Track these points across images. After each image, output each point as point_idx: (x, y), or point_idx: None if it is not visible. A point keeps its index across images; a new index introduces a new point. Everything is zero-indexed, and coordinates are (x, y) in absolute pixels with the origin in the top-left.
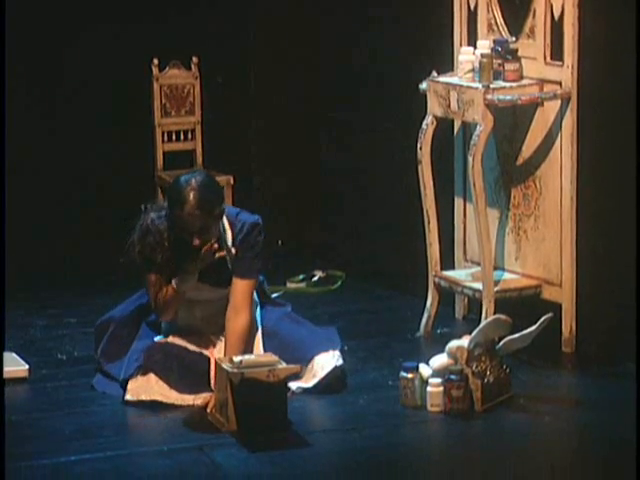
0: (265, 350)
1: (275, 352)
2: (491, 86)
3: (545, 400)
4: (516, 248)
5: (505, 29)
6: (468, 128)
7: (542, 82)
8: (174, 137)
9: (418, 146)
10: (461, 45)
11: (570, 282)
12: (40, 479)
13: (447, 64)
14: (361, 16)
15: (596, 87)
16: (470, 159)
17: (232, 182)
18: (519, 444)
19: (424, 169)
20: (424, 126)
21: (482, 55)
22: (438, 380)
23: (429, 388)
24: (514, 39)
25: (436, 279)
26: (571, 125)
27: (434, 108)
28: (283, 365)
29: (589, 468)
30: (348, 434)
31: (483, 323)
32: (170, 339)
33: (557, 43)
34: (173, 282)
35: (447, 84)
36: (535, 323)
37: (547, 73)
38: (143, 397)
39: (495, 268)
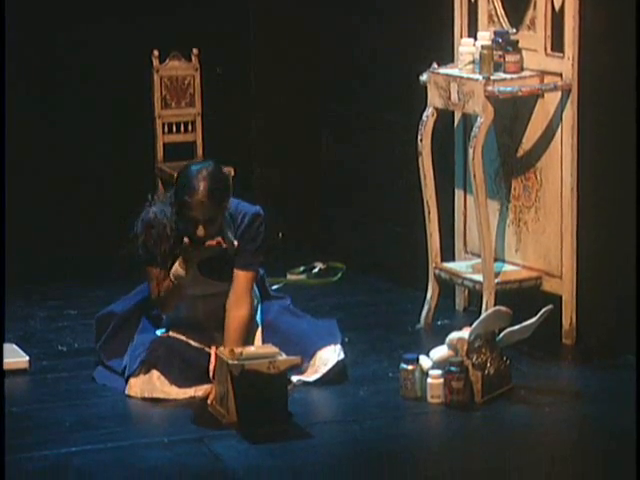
0: (264, 344)
1: (276, 346)
2: (491, 78)
3: (545, 392)
4: (516, 240)
5: (506, 20)
6: (468, 120)
7: (543, 74)
8: (174, 129)
9: (418, 138)
10: (461, 36)
11: (570, 274)
12: (41, 470)
13: (447, 56)
14: (361, 7)
15: (597, 79)
16: (470, 151)
17: (232, 174)
18: (519, 436)
19: (424, 161)
20: (424, 118)
21: (482, 47)
22: (438, 372)
23: (429, 380)
24: (515, 30)
25: (436, 271)
26: (571, 117)
27: (434, 100)
28: (283, 357)
29: (589, 459)
30: (348, 426)
31: (483, 315)
32: (172, 334)
33: (558, 35)
34: (171, 273)
35: (447, 76)
36: (535, 315)
37: (548, 65)
38: (145, 395)
39: (495, 260)
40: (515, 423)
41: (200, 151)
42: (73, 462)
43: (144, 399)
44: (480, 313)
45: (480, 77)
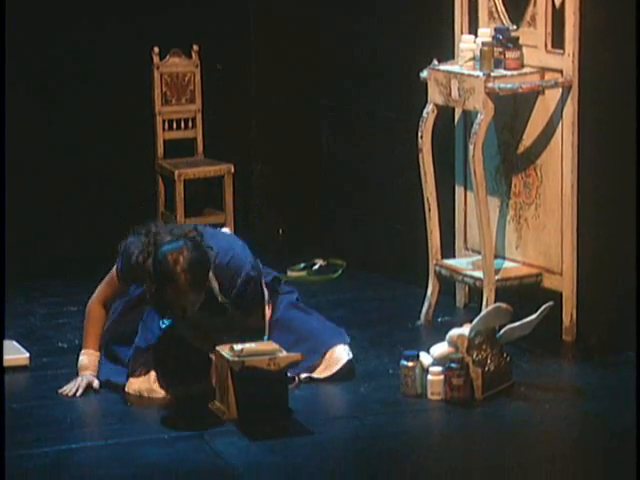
0: (274, 341)
1: (285, 343)
2: (492, 74)
3: (545, 388)
4: (517, 236)
5: (506, 17)
6: (469, 116)
7: (543, 70)
8: (175, 125)
9: (419, 134)
10: (462, 33)
11: (571, 270)
12: (41, 467)
13: (448, 52)
14: (362, 6)
15: (597, 75)
16: (471, 147)
17: (232, 170)
18: (519, 432)
19: (425, 158)
20: (425, 114)
21: (483, 43)
22: (439, 368)
23: (430, 376)
24: (515, 27)
25: (437, 267)
26: (572, 113)
27: (435, 96)
28: (284, 353)
29: (589, 456)
30: (349, 422)
31: (484, 312)
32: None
33: (558, 31)
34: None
35: (448, 72)
36: (536, 312)
37: (548, 61)
38: (145, 394)
39: (496, 257)
40: (515, 420)
41: (200, 148)
42: (74, 458)
43: (142, 398)
44: (480, 310)
45: (480, 74)
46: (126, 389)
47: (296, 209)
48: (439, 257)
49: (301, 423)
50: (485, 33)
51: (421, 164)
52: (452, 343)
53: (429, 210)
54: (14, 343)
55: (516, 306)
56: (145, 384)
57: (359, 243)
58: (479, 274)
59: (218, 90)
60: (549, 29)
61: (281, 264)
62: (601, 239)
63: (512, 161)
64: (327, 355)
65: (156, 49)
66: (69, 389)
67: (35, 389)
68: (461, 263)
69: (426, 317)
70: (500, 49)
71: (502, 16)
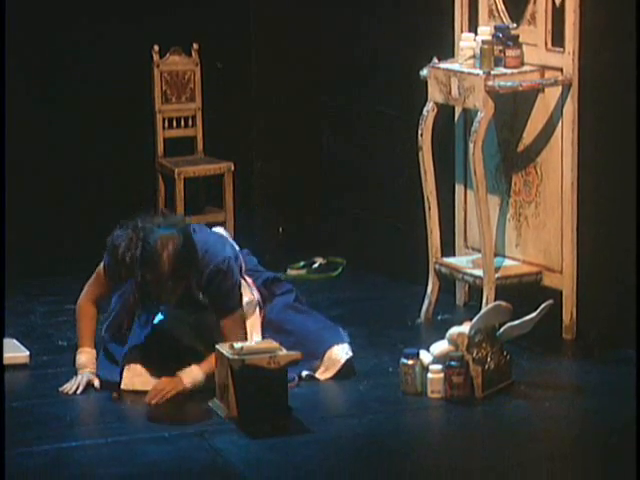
0: None
1: (283, 346)
2: (492, 72)
3: (545, 386)
4: (517, 235)
5: (506, 15)
6: (469, 115)
7: (543, 68)
8: (175, 124)
9: (419, 133)
10: (462, 31)
11: (571, 269)
12: (41, 465)
13: (448, 50)
14: (362, 4)
15: (597, 73)
16: (471, 146)
17: (232, 169)
18: (519, 430)
19: (425, 156)
20: (425, 113)
21: (483, 41)
22: (439, 367)
23: (429, 375)
24: (515, 25)
25: (437, 266)
26: (572, 111)
27: (435, 95)
28: (284, 352)
29: (589, 454)
30: (349, 420)
31: (484, 310)
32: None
33: (558, 29)
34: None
35: (448, 70)
36: (536, 310)
37: (548, 59)
38: (138, 387)
39: (496, 255)
40: (515, 418)
41: (200, 146)
42: (73, 456)
43: (136, 392)
44: (480, 308)
45: (480, 72)
46: (122, 386)
47: (296, 208)
48: (439, 255)
49: (301, 421)
50: (485, 31)
51: (421, 162)
52: (452, 341)
53: (429, 208)
54: (14, 341)
55: (516, 304)
56: (137, 377)
57: (359, 241)
58: (479, 272)
59: (218, 88)
60: (549, 27)
61: (281, 262)
62: (601, 237)
63: (512, 159)
64: (325, 356)
65: (156, 47)
66: (69, 387)
67: (35, 387)
68: (461, 261)
69: (426, 315)
70: (500, 47)
71: (502, 14)
